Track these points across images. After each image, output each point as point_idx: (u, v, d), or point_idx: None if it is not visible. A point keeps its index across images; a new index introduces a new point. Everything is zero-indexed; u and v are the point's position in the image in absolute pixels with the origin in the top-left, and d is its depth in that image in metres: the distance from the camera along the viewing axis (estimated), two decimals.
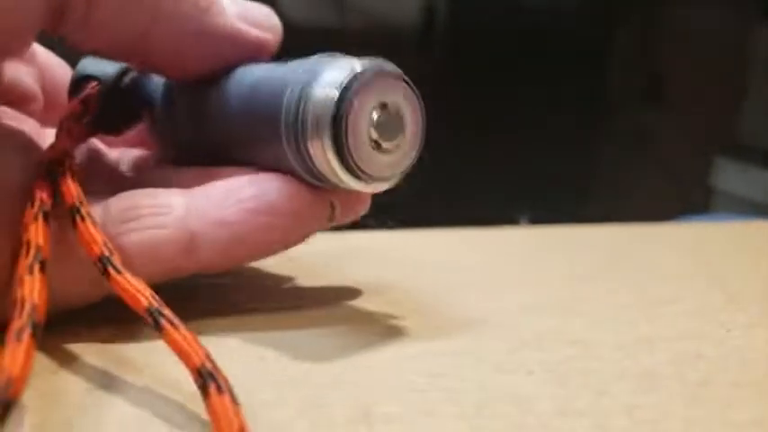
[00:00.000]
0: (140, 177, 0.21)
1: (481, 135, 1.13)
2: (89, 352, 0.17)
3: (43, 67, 0.22)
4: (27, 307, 0.14)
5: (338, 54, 0.17)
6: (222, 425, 0.12)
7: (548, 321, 0.19)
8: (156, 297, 0.15)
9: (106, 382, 0.15)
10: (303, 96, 0.17)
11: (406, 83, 0.17)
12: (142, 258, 0.17)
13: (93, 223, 0.16)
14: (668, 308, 0.21)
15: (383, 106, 0.17)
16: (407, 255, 0.26)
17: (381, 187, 0.17)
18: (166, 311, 0.14)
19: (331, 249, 0.25)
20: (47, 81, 0.22)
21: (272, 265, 0.23)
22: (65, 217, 0.17)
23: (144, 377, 0.15)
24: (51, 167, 0.18)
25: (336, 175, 0.17)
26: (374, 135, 0.17)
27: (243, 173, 0.18)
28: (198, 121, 0.20)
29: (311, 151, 0.17)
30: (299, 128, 0.17)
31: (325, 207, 0.18)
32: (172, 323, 0.14)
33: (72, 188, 0.17)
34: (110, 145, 0.23)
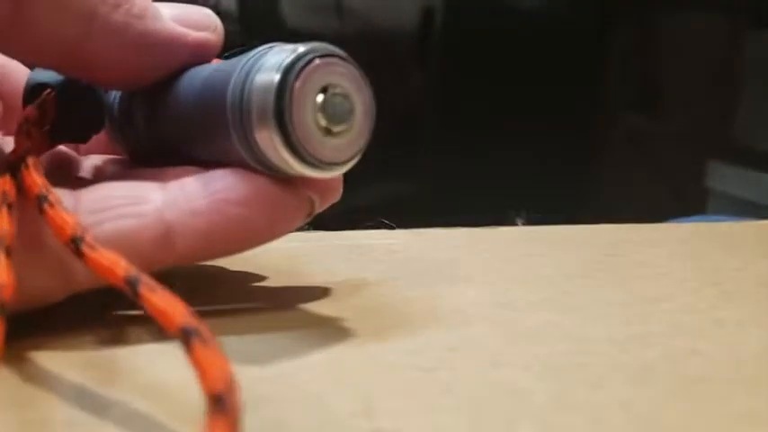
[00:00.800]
0: (107, 180, 0.20)
1: (478, 137, 1.13)
2: (72, 365, 0.16)
3: (0, 72, 0.22)
4: None
5: (289, 44, 0.17)
6: (209, 376, 0.12)
7: (544, 317, 0.20)
8: (133, 267, 0.14)
9: (91, 400, 0.15)
10: (246, 83, 0.16)
11: (350, 63, 0.17)
12: (118, 249, 0.16)
13: (64, 208, 0.16)
14: (662, 304, 0.21)
15: (328, 88, 0.16)
16: (405, 254, 0.26)
17: (336, 172, 0.17)
18: (144, 278, 0.14)
19: (328, 248, 0.26)
20: (5, 86, 0.22)
21: (266, 263, 0.23)
22: (29, 209, 0.16)
23: (132, 392, 0.15)
24: (14, 166, 0.17)
25: (287, 163, 0.16)
26: (322, 119, 0.16)
27: (194, 171, 0.18)
28: (154, 124, 0.20)
29: (258, 141, 0.16)
30: (243, 117, 0.16)
31: (302, 200, 0.17)
32: (150, 287, 0.14)
33: (37, 179, 0.17)
34: (81, 151, 0.23)
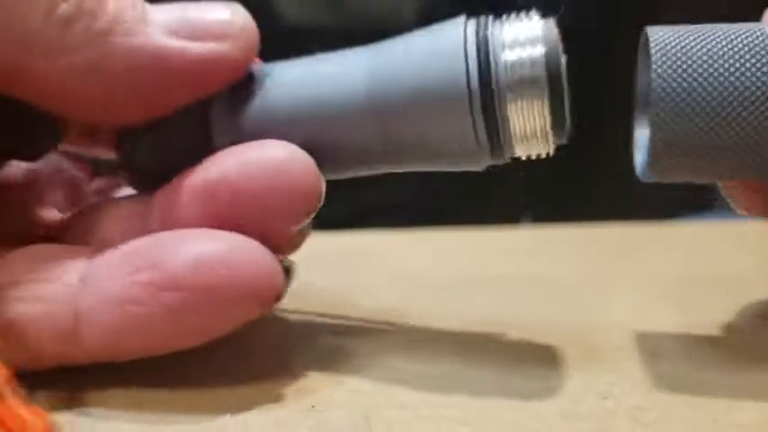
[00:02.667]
0: (103, 206, 0.17)
1: None
2: None
3: None
4: None
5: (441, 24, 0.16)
6: None
7: (550, 323, 0.19)
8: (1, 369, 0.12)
9: None
10: (492, 60, 0.15)
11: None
12: (30, 334, 0.14)
13: None
14: (672, 309, 0.21)
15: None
16: (407, 256, 0.26)
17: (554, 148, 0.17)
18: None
19: (327, 250, 0.25)
20: None
21: None
22: None
23: None
24: None
25: (545, 135, 0.16)
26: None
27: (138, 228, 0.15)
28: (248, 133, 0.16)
29: (510, 118, 0.16)
30: (495, 95, 0.15)
31: (267, 279, 0.14)
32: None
33: None
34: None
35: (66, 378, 0.15)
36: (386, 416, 0.14)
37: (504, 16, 0.16)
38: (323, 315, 0.20)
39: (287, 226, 0.15)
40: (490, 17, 0.16)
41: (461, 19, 0.16)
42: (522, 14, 0.16)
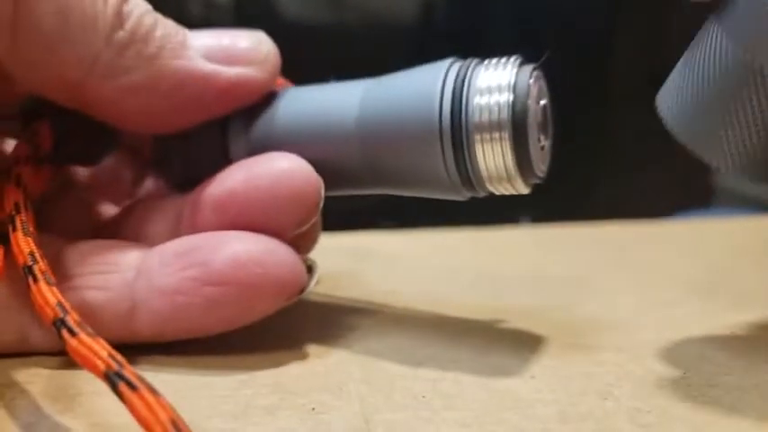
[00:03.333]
0: (147, 204, 0.19)
1: None
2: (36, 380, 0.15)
3: None
4: None
5: (439, 62, 0.17)
6: (146, 424, 0.12)
7: (549, 324, 0.19)
8: (116, 356, 0.13)
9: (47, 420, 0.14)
10: (464, 102, 0.16)
11: (541, 72, 0.17)
12: (93, 319, 0.15)
13: (47, 282, 0.15)
14: (672, 309, 0.21)
15: (540, 103, 0.17)
16: (407, 256, 0.26)
17: (530, 188, 0.17)
18: (126, 372, 0.12)
19: (328, 250, 0.25)
20: None
21: None
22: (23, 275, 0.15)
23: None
24: (2, 226, 0.16)
25: (513, 178, 0.16)
26: (541, 136, 0.17)
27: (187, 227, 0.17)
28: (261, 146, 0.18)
29: (478, 157, 0.16)
30: (466, 134, 0.16)
31: (293, 277, 0.16)
32: (131, 385, 0.12)
33: (23, 246, 0.15)
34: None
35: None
36: (386, 419, 0.14)
37: (487, 61, 0.17)
38: (323, 313, 0.20)
39: (290, 229, 0.17)
40: (474, 61, 0.17)
41: (448, 61, 0.17)
42: (503, 60, 0.17)
